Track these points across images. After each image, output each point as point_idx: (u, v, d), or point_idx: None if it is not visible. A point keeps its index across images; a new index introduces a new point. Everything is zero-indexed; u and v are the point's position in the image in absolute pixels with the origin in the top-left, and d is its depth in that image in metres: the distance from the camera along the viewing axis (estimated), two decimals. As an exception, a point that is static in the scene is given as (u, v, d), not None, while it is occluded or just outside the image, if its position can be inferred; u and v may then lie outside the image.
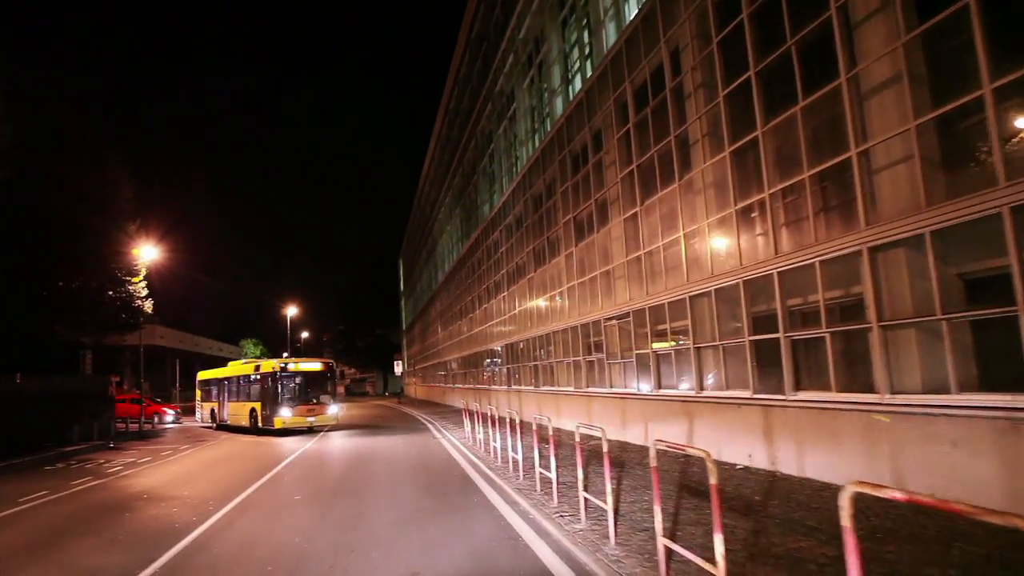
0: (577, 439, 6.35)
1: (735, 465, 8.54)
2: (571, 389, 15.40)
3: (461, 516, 6.68)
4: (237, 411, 20.68)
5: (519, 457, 8.85)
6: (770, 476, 7.70)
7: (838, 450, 6.87)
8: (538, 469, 8.07)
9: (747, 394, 8.44)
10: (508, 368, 21.93)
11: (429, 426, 19.71)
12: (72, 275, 21.70)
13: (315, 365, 19.47)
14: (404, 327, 64.68)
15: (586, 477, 6.85)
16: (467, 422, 15.30)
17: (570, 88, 15.92)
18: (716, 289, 9.20)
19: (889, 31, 6.23)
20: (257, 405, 19.30)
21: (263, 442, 16.58)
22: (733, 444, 8.71)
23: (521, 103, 20.31)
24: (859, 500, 2.45)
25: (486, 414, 12.14)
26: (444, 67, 34.61)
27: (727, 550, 3.60)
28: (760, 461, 8.16)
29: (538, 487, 7.80)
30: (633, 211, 11.87)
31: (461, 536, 5.87)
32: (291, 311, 49.38)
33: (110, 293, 23.21)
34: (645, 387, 11.57)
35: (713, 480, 3.58)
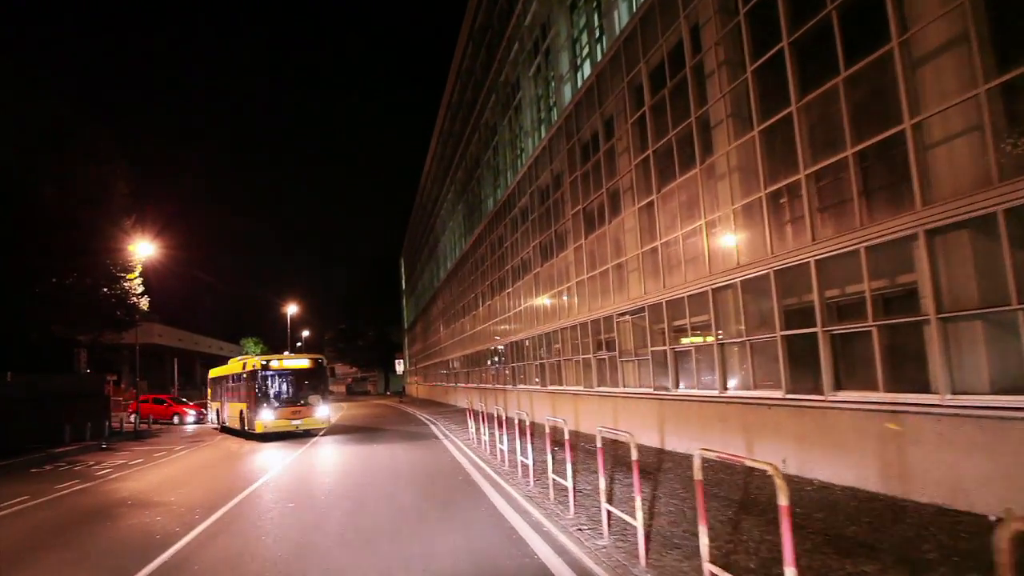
0: (599, 444, 5.70)
1: (765, 472, 7.86)
2: (580, 388, 14.73)
3: (465, 525, 6.04)
4: (232, 412, 19.79)
5: (529, 462, 8.20)
6: (808, 485, 7.02)
7: (885, 456, 6.20)
8: (551, 476, 7.41)
9: (778, 394, 7.77)
10: (513, 367, 21.27)
11: (433, 428, 19.06)
12: (66, 271, 21.12)
13: (302, 362, 17.68)
14: (406, 326, 64.07)
15: (610, 488, 6.21)
16: (471, 423, 14.65)
17: (579, 74, 15.24)
18: (743, 280, 8.53)
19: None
20: (244, 406, 17.98)
21: (246, 449, 15.09)
22: (762, 448, 8.03)
23: (527, 93, 19.63)
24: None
25: (492, 415, 11.52)
26: (446, 61, 34.01)
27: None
28: (794, 467, 7.49)
29: (551, 495, 7.15)
30: (649, 199, 11.20)
31: (470, 556, 5.22)
32: (292, 309, 48.80)
33: (105, 290, 22.67)
34: (661, 386, 10.90)
35: (784, 501, 2.92)
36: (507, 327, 22.04)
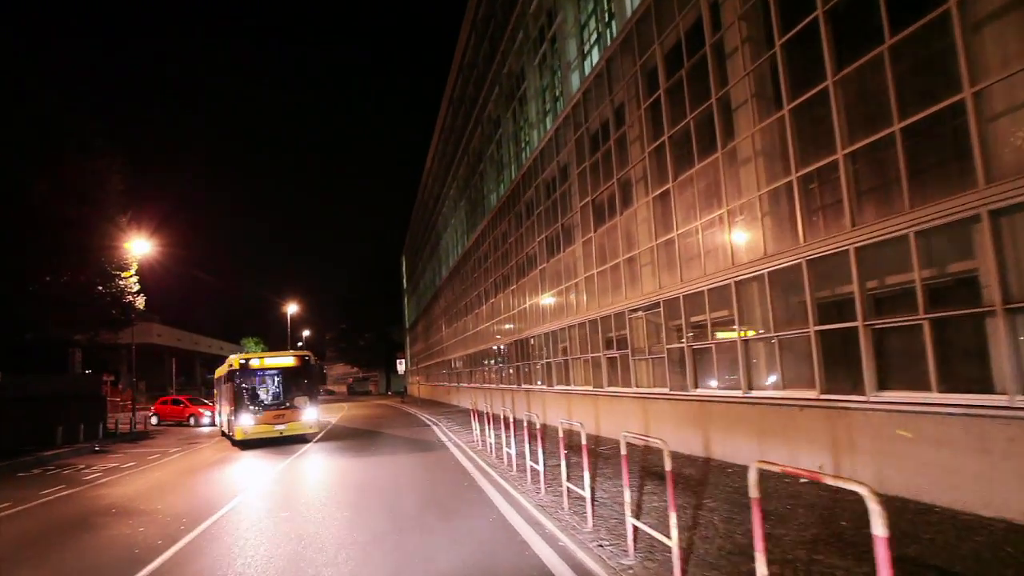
0: (623, 451, 5.08)
1: (798, 479, 7.24)
2: (588, 388, 14.11)
3: (472, 536, 5.44)
4: (224, 415, 19.23)
5: (539, 468, 7.60)
6: (852, 496, 6.39)
7: (939, 462, 5.58)
8: (565, 483, 6.81)
9: (811, 395, 7.15)
10: (517, 366, 20.65)
11: (435, 430, 18.47)
12: (59, 269, 20.58)
13: (286, 360, 15.86)
14: (407, 325, 63.43)
15: (639, 501, 5.58)
16: (475, 424, 14.04)
17: (587, 61, 14.61)
18: (770, 272, 7.91)
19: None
20: (227, 409, 16.58)
21: (229, 457, 13.32)
22: (791, 454, 7.42)
23: (531, 83, 19.00)
24: None
25: (498, 416, 10.93)
26: (448, 57, 33.38)
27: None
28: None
29: (565, 504, 6.56)
30: (664, 188, 10.58)
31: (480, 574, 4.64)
32: (292, 309, 48.25)
33: (100, 288, 22.14)
34: (677, 386, 10.28)
35: (881, 531, 2.30)
36: (512, 325, 21.43)
